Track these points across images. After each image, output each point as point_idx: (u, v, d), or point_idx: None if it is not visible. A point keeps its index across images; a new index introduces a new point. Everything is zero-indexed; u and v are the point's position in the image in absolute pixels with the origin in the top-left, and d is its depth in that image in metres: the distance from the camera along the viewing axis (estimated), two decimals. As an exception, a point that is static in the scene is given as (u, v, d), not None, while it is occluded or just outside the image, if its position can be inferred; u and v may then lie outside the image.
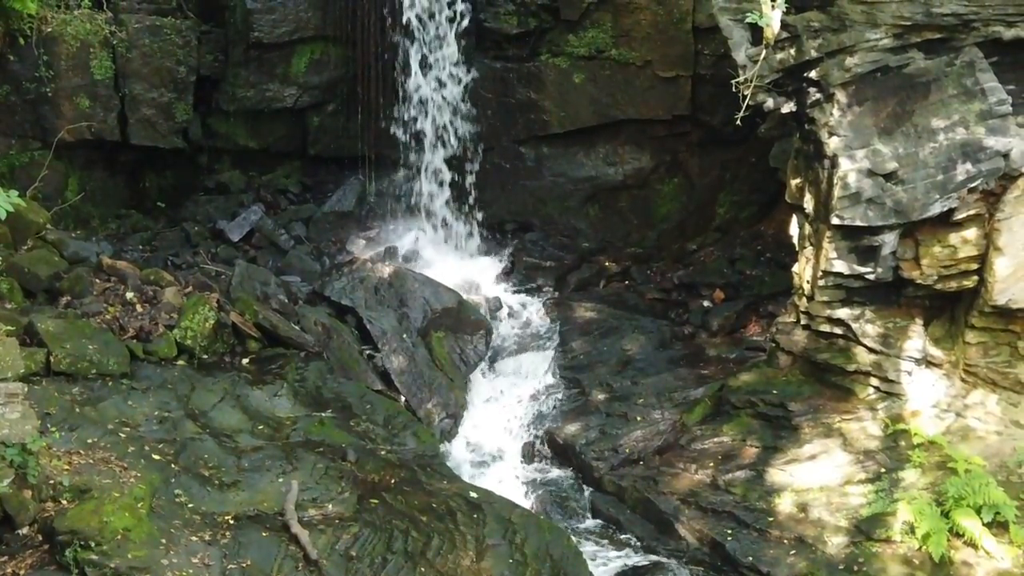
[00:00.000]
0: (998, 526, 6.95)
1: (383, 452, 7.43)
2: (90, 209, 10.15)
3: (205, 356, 7.85)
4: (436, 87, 10.84)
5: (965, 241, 7.44)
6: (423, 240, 10.88)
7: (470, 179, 11.02)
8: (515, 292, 10.46)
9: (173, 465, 6.58)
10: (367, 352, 8.81)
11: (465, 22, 10.75)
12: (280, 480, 6.70)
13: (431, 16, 10.70)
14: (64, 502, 5.90)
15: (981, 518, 6.93)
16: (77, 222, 9.92)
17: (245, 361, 8.08)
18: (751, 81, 7.36)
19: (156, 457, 6.59)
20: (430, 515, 6.66)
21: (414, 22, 10.64)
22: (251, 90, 10.67)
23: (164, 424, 7.00)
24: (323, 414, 7.68)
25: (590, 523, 7.95)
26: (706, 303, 10.03)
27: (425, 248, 10.79)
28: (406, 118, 10.86)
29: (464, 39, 10.78)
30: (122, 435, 6.71)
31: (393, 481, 7.00)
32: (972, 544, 6.90)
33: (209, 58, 10.47)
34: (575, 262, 10.88)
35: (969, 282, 7.51)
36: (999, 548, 6.87)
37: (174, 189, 10.97)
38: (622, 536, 7.73)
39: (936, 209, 7.38)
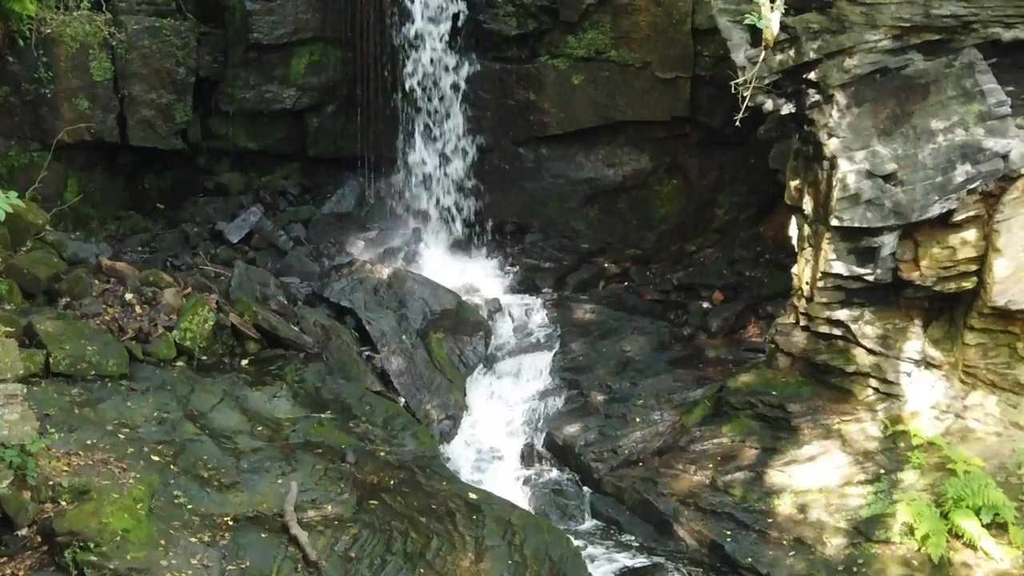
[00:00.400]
0: (997, 527, 6.97)
1: (382, 453, 7.42)
2: (89, 210, 10.15)
3: (204, 357, 7.86)
4: (440, 163, 10.92)
5: (964, 242, 7.44)
6: (422, 241, 10.89)
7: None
8: (514, 293, 10.47)
9: (172, 466, 6.56)
10: (366, 353, 8.83)
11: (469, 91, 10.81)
12: (279, 481, 6.70)
13: (435, 83, 10.69)
14: (63, 503, 5.88)
15: (980, 519, 6.95)
16: (76, 223, 9.93)
17: (244, 362, 8.09)
18: (750, 82, 7.29)
19: (155, 458, 6.57)
20: (429, 516, 6.66)
21: (417, 91, 10.74)
22: (250, 91, 10.70)
23: (163, 425, 6.99)
24: (322, 415, 7.67)
25: (589, 524, 7.98)
26: (705, 304, 10.08)
27: (424, 249, 10.78)
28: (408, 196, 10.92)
29: (472, 109, 10.82)
30: (121, 436, 6.70)
31: (392, 482, 6.99)
32: (971, 545, 6.91)
33: (208, 59, 10.50)
34: (574, 263, 10.91)
35: (968, 283, 7.50)
36: (998, 549, 6.88)
37: (173, 190, 11.00)
38: (621, 537, 7.73)
39: (935, 210, 7.39)
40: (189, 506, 6.29)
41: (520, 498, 7.98)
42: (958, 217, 7.40)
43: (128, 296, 8.11)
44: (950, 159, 7.35)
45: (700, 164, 11.14)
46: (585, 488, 8.25)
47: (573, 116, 10.96)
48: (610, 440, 8.41)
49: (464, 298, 9.80)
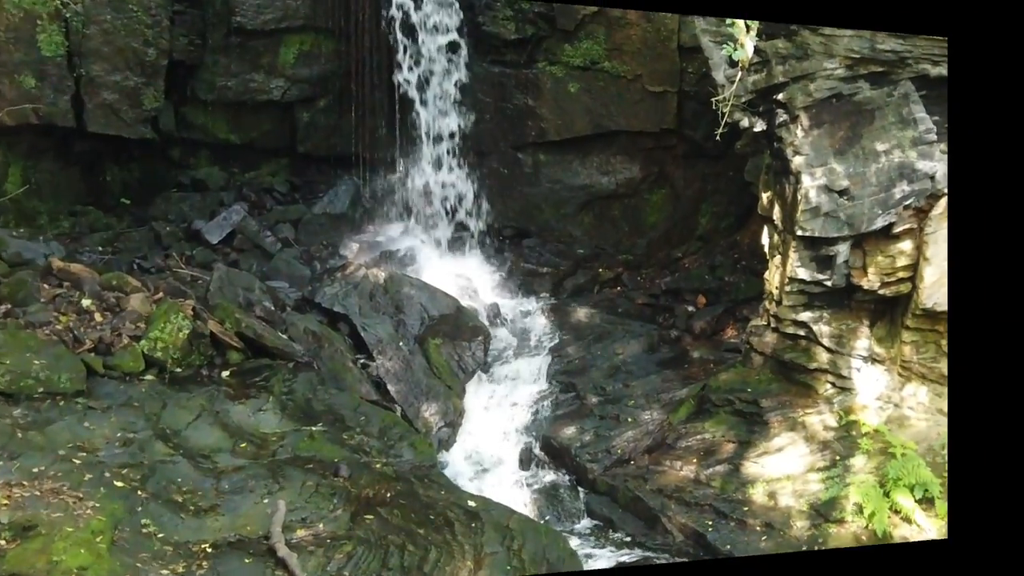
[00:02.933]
0: (927, 502, 8.18)
1: (378, 465, 7.74)
2: (37, 204, 10.24)
3: (179, 369, 7.84)
4: (438, 164, 11.05)
5: (902, 252, 8.66)
6: (420, 245, 11.30)
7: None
8: (513, 298, 11.07)
9: (140, 492, 6.51)
10: (361, 361, 9.24)
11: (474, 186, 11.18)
12: (265, 501, 6.78)
13: (432, 83, 10.84)
14: (3, 542, 5.76)
15: (914, 495, 8.18)
16: (20, 218, 9.88)
17: (225, 374, 8.18)
18: (728, 100, 8.38)
19: (119, 484, 6.49)
20: (427, 527, 6.98)
21: (415, 90, 10.93)
22: (232, 79, 10.95)
23: (128, 447, 6.93)
24: (313, 428, 7.83)
25: (585, 524, 8.72)
26: (690, 308, 11.00)
27: (421, 253, 11.21)
28: None
29: (470, 112, 10.95)
30: (76, 461, 6.62)
31: (389, 495, 7.25)
32: (907, 519, 8.13)
33: (183, 41, 10.65)
34: (571, 268, 11.67)
35: (904, 288, 8.75)
36: (928, 521, 8.14)
37: (141, 184, 11.12)
38: (614, 535, 8.53)
39: (879, 223, 8.63)
40: (160, 535, 6.24)
41: (519, 502, 8.60)
42: (897, 229, 8.64)
43: (85, 302, 7.93)
44: (891, 178, 8.62)
45: (685, 175, 11.96)
46: (581, 489, 9.00)
47: (570, 123, 11.71)
48: (604, 440, 9.34)
49: (462, 303, 10.25)
